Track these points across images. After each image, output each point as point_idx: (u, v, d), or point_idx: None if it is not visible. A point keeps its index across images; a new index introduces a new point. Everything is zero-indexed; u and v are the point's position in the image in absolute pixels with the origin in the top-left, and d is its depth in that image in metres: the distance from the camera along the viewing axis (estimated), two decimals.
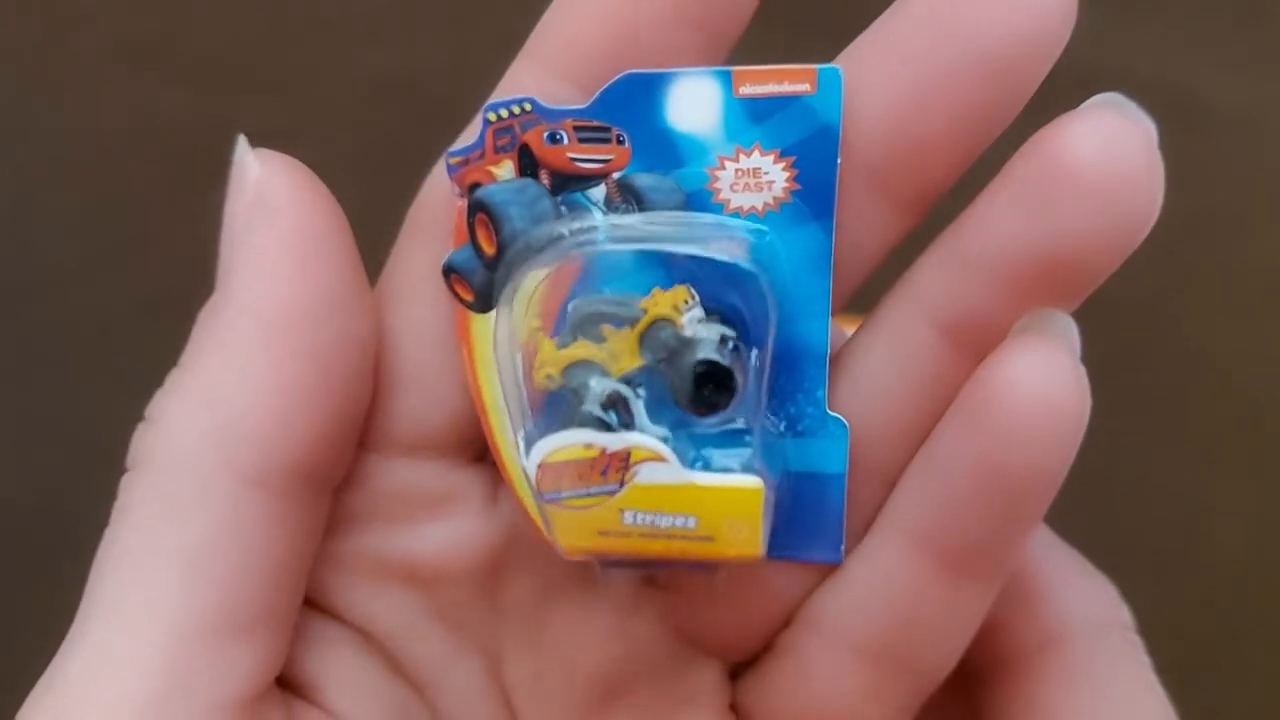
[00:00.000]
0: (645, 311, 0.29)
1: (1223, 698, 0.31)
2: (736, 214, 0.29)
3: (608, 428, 0.29)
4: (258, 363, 0.29)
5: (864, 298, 0.31)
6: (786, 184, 0.29)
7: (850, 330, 0.31)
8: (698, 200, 0.29)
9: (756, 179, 0.29)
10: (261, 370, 0.29)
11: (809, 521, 0.31)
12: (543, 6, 0.30)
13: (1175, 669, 0.32)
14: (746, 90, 0.29)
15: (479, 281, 0.30)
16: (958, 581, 0.30)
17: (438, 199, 0.31)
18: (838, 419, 0.30)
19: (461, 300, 0.31)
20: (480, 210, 0.30)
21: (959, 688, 0.33)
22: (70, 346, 0.54)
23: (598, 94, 0.29)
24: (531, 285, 0.30)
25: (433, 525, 0.32)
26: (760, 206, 0.29)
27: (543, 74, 0.30)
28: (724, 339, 0.29)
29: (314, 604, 0.32)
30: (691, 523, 0.29)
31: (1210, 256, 0.47)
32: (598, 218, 0.30)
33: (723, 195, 0.29)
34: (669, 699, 0.33)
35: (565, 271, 0.30)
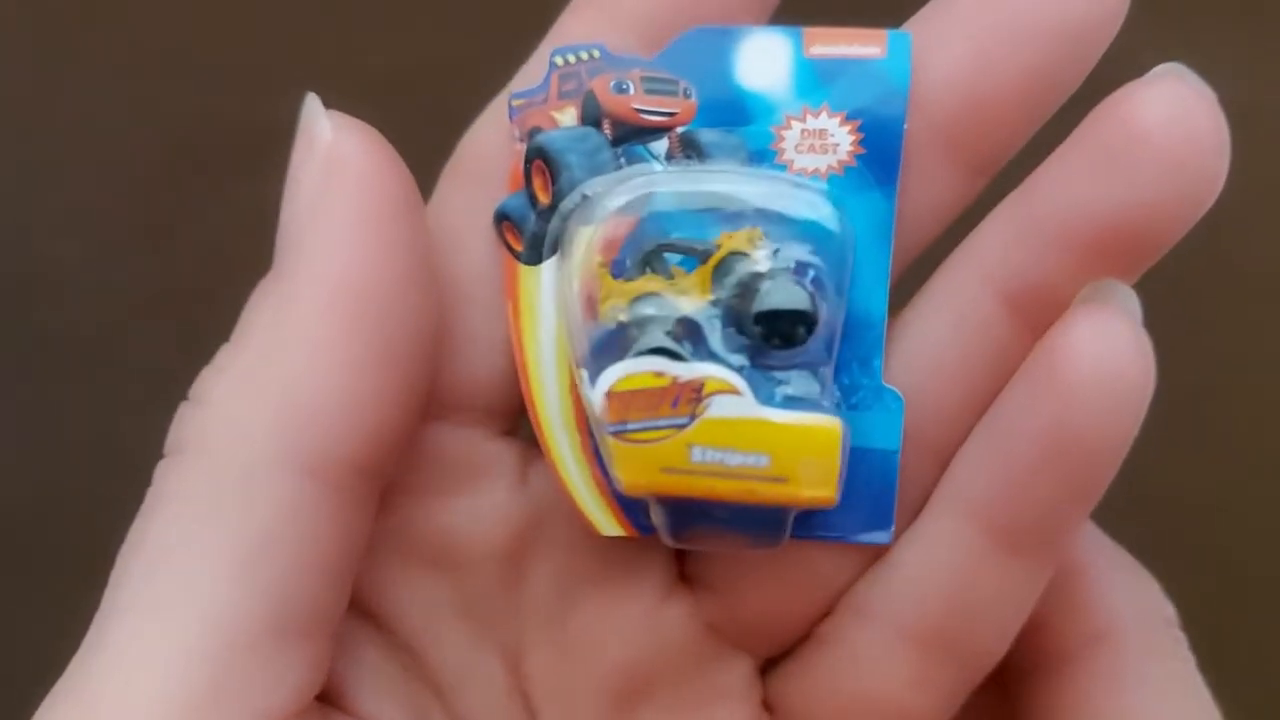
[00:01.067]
0: (719, 246, 0.28)
1: (1238, 699, 0.31)
2: (800, 175, 0.29)
3: (679, 358, 0.28)
4: (327, 346, 0.27)
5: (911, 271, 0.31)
6: (851, 147, 0.29)
7: None
8: (761, 159, 0.29)
9: (822, 140, 0.29)
10: (331, 354, 0.27)
11: (859, 500, 0.30)
12: (544, 3, 0.30)
13: None
14: (817, 50, 0.29)
15: (530, 231, 0.29)
16: (1015, 560, 0.29)
17: (485, 144, 0.30)
18: (893, 392, 0.29)
19: (511, 250, 0.29)
20: (538, 156, 0.29)
21: (998, 690, 0.31)
22: (70, 345, 0.51)
23: (667, 46, 0.29)
24: (589, 231, 0.29)
25: (461, 498, 0.30)
26: (824, 169, 0.29)
27: (596, 19, 0.29)
28: (802, 267, 0.28)
29: None
30: (764, 461, 0.28)
31: (1216, 255, 0.48)
32: (658, 170, 0.29)
33: (787, 155, 0.29)
34: (698, 697, 0.31)
35: (625, 223, 0.29)
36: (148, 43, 0.51)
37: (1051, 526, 0.29)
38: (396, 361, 0.27)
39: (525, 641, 0.31)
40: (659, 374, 0.28)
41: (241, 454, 0.26)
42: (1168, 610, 0.31)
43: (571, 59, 0.29)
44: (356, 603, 0.30)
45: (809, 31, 0.29)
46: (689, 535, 0.29)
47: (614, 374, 0.28)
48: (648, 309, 0.28)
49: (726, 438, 0.28)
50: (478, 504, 0.30)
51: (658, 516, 0.29)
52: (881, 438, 0.30)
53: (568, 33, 0.30)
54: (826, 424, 0.28)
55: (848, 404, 0.29)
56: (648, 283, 0.28)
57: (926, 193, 0.29)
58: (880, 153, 0.29)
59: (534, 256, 0.29)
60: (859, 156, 0.29)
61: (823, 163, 0.29)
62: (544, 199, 0.29)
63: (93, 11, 0.51)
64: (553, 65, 0.29)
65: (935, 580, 0.29)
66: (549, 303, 0.29)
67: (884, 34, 0.29)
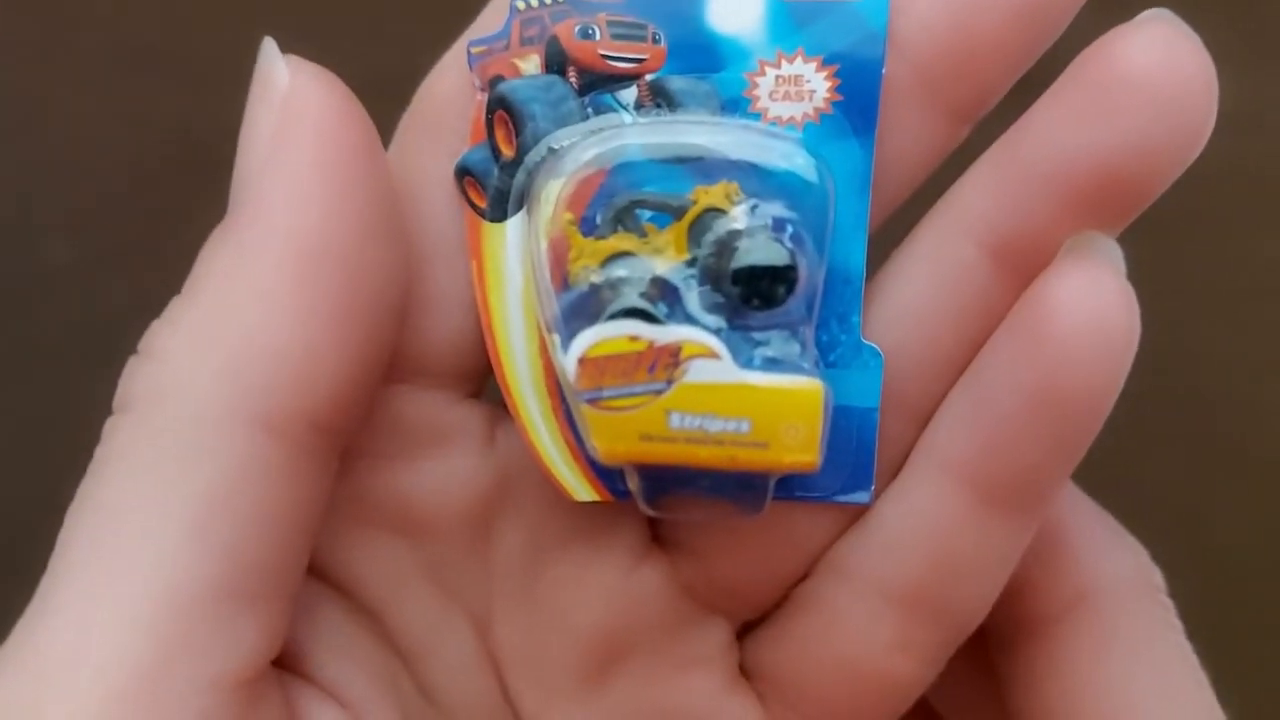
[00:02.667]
0: (694, 202, 0.27)
1: (1223, 699, 0.30)
2: (774, 125, 0.28)
3: (654, 320, 0.27)
4: (283, 297, 0.26)
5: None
6: (828, 94, 0.28)
7: None
8: (734, 108, 0.28)
9: (797, 87, 0.28)
10: (287, 305, 0.26)
11: (838, 460, 0.29)
12: None
13: None
14: None
15: (494, 186, 0.28)
16: (998, 518, 0.28)
17: (444, 91, 0.28)
18: (872, 348, 0.29)
19: (474, 206, 0.28)
20: (501, 107, 0.28)
21: (979, 656, 0.30)
22: (69, 347, 0.52)
23: None
24: (556, 186, 0.28)
25: (427, 463, 0.29)
26: (799, 117, 0.28)
27: None
28: (781, 223, 0.27)
29: None
30: (745, 426, 0.27)
31: (1208, 258, 0.48)
32: (627, 120, 0.28)
33: (761, 104, 0.28)
34: (673, 662, 0.30)
35: (592, 177, 0.28)
36: (145, 45, 0.51)
37: (1036, 483, 0.28)
38: (357, 315, 0.26)
39: (494, 607, 0.30)
40: (634, 338, 0.26)
41: (193, 409, 0.25)
42: (1155, 576, 0.31)
43: (534, 2, 0.28)
44: (318, 568, 0.29)
45: None
46: (667, 503, 0.28)
47: (587, 339, 0.27)
48: (621, 269, 0.27)
49: (706, 403, 0.27)
50: (443, 468, 0.29)
51: (634, 484, 0.28)
52: (860, 395, 0.29)
53: None
54: (808, 386, 0.27)
55: (826, 361, 0.29)
56: (620, 241, 0.27)
57: (906, 141, 0.28)
58: (858, 99, 0.28)
59: (498, 213, 0.28)
60: (836, 103, 0.28)
61: (798, 110, 0.28)
62: (507, 152, 0.28)
63: (90, 14, 0.50)
64: (514, 10, 0.28)
65: (917, 539, 0.29)
66: (515, 261, 0.28)
67: None
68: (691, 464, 0.27)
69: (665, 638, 0.30)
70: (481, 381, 0.29)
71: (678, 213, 0.27)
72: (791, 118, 0.28)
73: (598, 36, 0.28)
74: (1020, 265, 0.28)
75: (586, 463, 0.29)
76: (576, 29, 0.28)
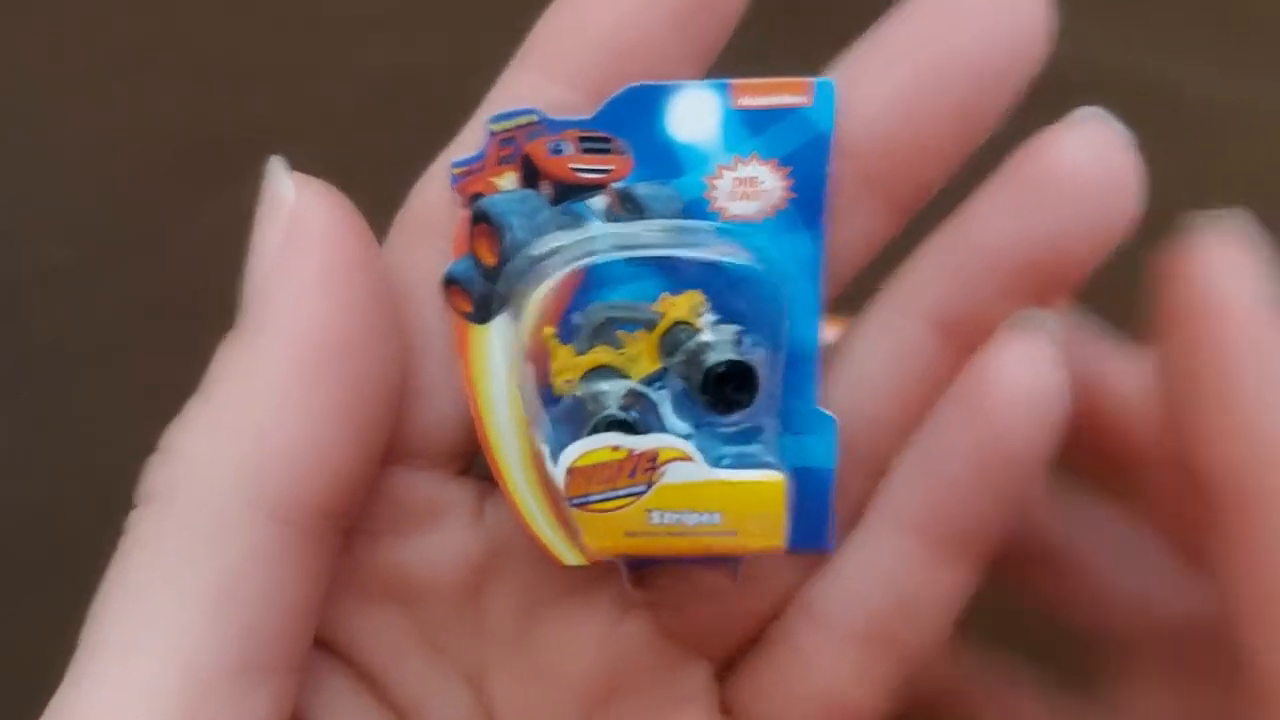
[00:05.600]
0: (663, 315, 0.30)
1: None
2: (732, 221, 0.30)
3: (633, 429, 0.29)
4: (292, 396, 0.28)
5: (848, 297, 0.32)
6: (783, 192, 0.30)
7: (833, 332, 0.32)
8: (696, 208, 0.30)
9: (753, 187, 0.30)
10: (296, 404, 0.28)
11: (802, 514, 0.32)
12: (544, 6, 0.30)
13: None
14: (745, 102, 0.30)
15: (478, 292, 0.30)
16: (948, 562, 0.31)
17: (430, 204, 0.31)
18: (827, 415, 0.31)
19: (460, 311, 0.30)
20: (482, 220, 0.30)
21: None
22: (67, 349, 0.52)
23: (601, 106, 0.30)
24: (537, 295, 0.30)
25: (421, 537, 0.32)
26: (756, 214, 0.30)
27: (538, 78, 0.30)
28: (742, 335, 0.30)
29: None
30: (717, 519, 0.30)
31: None
32: (597, 227, 0.30)
33: (720, 203, 0.30)
34: (660, 704, 0.33)
35: (568, 281, 0.30)
36: (144, 46, 0.51)
37: (979, 533, 0.31)
38: (358, 410, 0.29)
39: (488, 664, 0.33)
40: (615, 448, 0.29)
41: (210, 500, 0.28)
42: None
43: (508, 125, 0.30)
44: (322, 638, 0.32)
45: (736, 84, 0.30)
46: (651, 578, 0.31)
47: (574, 452, 0.29)
48: (600, 383, 0.30)
49: (682, 501, 0.30)
50: (436, 541, 0.32)
51: (621, 569, 0.31)
52: (818, 457, 0.32)
53: (510, 90, 0.30)
54: (771, 479, 0.30)
55: (788, 429, 0.31)
56: (598, 355, 0.30)
57: (852, 231, 0.31)
58: (809, 195, 0.30)
59: (482, 316, 0.31)
60: (790, 200, 0.30)
61: (754, 208, 0.30)
62: (490, 260, 0.30)
63: (89, 14, 0.50)
64: (490, 133, 0.30)
65: (876, 585, 0.32)
66: (500, 356, 0.31)
67: (809, 82, 0.30)
68: (671, 554, 0.30)
69: (652, 681, 0.33)
70: (469, 460, 0.32)
71: (648, 325, 0.30)
72: (749, 215, 0.30)
73: (568, 152, 0.30)
74: (963, 339, 0.31)
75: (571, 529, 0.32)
76: (548, 146, 0.30)
